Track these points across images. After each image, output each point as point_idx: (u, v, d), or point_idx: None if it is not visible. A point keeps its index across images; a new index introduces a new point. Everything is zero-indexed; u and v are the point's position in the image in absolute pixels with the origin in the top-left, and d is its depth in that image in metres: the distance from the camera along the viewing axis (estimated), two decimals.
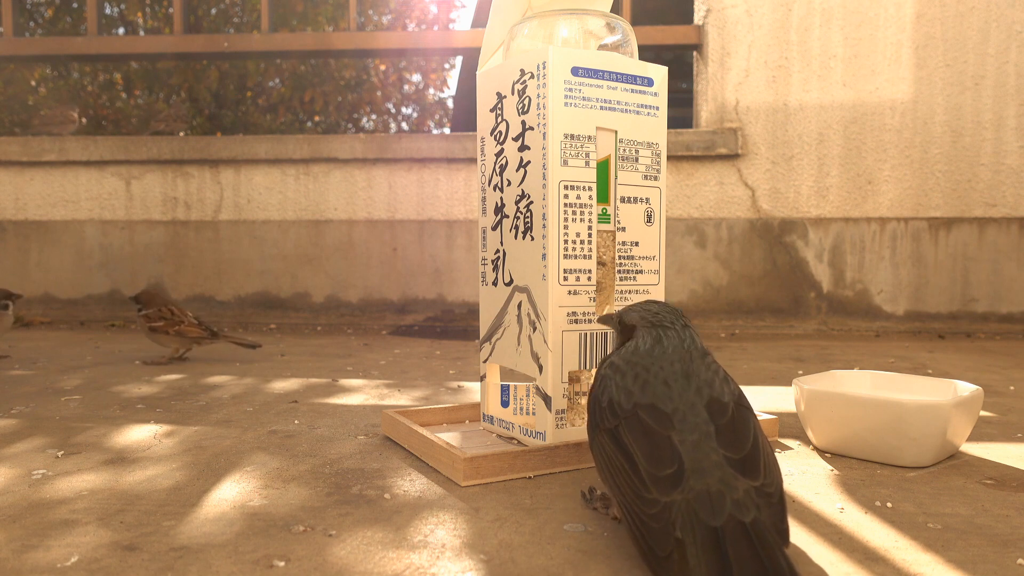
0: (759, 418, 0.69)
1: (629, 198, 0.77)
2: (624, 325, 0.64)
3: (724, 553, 0.43)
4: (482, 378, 0.86)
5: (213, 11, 5.53)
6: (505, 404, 0.86)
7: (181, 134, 2.31)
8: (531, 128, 0.74)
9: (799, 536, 0.57)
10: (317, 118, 6.15)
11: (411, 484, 0.69)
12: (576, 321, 0.74)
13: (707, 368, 0.57)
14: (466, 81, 4.64)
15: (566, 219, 0.73)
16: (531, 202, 0.75)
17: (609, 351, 0.76)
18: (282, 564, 0.52)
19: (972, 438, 0.86)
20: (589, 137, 0.74)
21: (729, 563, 0.42)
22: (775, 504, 0.48)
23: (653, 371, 0.56)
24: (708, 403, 0.54)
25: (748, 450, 0.51)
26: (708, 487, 0.47)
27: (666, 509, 0.47)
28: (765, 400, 1.10)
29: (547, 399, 0.74)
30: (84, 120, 5.00)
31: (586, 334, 0.75)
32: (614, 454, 0.53)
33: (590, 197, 0.74)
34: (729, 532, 0.44)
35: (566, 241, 0.73)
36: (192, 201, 2.20)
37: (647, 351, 0.58)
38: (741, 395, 0.56)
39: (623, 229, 0.77)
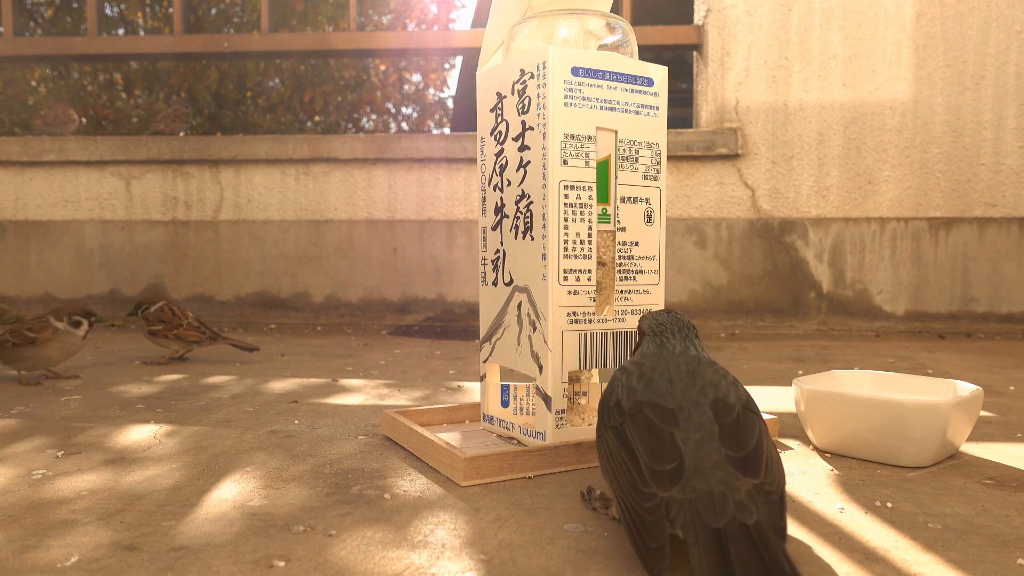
0: None
1: (629, 198, 0.77)
2: (640, 330, 0.67)
3: (726, 554, 0.43)
4: (482, 378, 0.86)
5: (213, 11, 5.53)
6: (505, 404, 0.86)
7: (181, 134, 2.31)
8: (531, 128, 0.74)
9: (799, 536, 0.57)
10: (317, 118, 6.15)
11: (411, 484, 0.69)
12: (576, 321, 0.74)
13: (714, 371, 0.58)
14: (466, 81, 4.64)
15: (566, 219, 0.73)
16: (531, 202, 0.75)
17: (610, 351, 0.77)
18: (282, 564, 0.52)
19: (972, 438, 0.86)
20: (589, 137, 0.74)
21: (731, 565, 0.42)
22: (775, 502, 0.48)
23: (659, 371, 0.57)
24: (713, 403, 0.54)
25: (751, 449, 0.51)
26: (710, 488, 0.47)
27: (662, 504, 0.48)
28: (765, 400, 1.10)
29: (547, 399, 0.74)
30: (84, 120, 4.99)
31: (586, 334, 0.75)
32: (617, 450, 0.53)
33: (590, 197, 0.74)
34: (731, 534, 0.44)
35: (566, 241, 0.73)
36: (192, 201, 2.20)
37: (652, 355, 0.60)
38: (750, 399, 0.56)
39: (623, 229, 0.77)
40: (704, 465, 0.49)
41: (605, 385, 0.68)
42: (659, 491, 0.48)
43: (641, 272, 0.79)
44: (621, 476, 0.52)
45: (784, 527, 0.49)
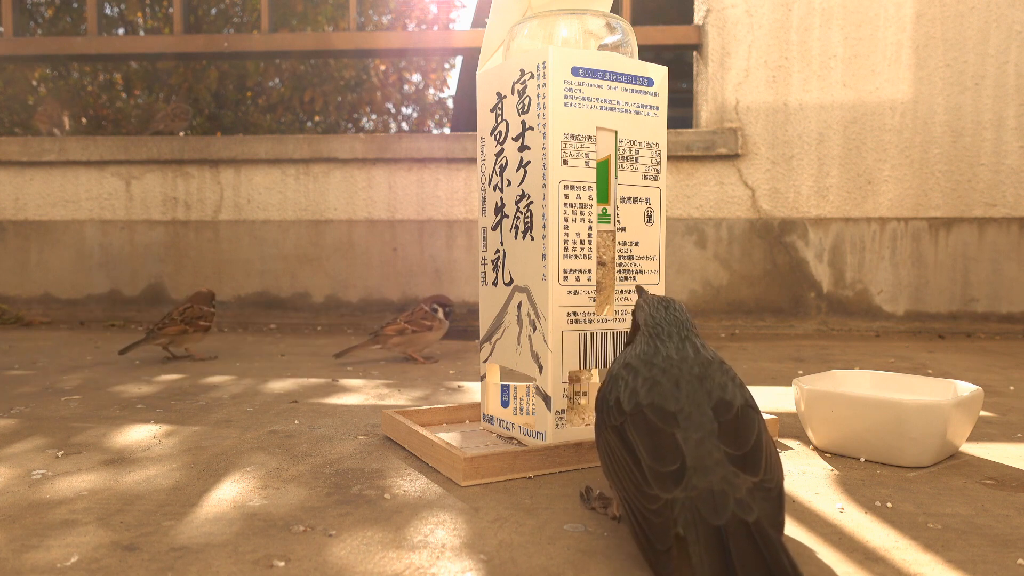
0: None
1: (629, 198, 0.77)
2: (633, 319, 0.64)
3: (727, 552, 0.43)
4: (482, 378, 0.86)
5: (213, 11, 5.52)
6: (505, 404, 0.86)
7: (181, 134, 2.30)
8: (531, 128, 0.74)
9: (799, 536, 0.57)
10: (317, 118, 6.15)
11: (411, 484, 0.69)
12: (576, 321, 0.74)
13: (723, 374, 0.56)
14: (466, 81, 4.64)
15: (566, 219, 0.73)
16: (531, 202, 0.75)
17: (610, 351, 0.77)
18: (282, 564, 0.52)
19: (972, 438, 0.86)
20: (589, 137, 0.74)
21: (732, 562, 0.43)
22: (773, 499, 0.49)
23: (670, 373, 0.55)
24: (716, 404, 0.53)
25: (750, 447, 0.51)
26: (711, 486, 0.47)
27: (667, 505, 0.48)
28: (765, 400, 1.10)
29: (547, 399, 0.74)
30: (84, 120, 4.99)
31: (586, 334, 0.75)
32: (619, 450, 0.53)
33: (590, 197, 0.74)
34: (732, 531, 0.44)
35: (566, 241, 0.73)
36: (192, 201, 2.20)
37: (662, 356, 0.57)
38: (751, 398, 0.56)
39: (623, 229, 0.77)
40: (705, 463, 0.49)
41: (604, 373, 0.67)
42: (662, 493, 0.48)
43: (641, 272, 0.79)
44: (624, 477, 0.52)
45: (782, 522, 0.49)
